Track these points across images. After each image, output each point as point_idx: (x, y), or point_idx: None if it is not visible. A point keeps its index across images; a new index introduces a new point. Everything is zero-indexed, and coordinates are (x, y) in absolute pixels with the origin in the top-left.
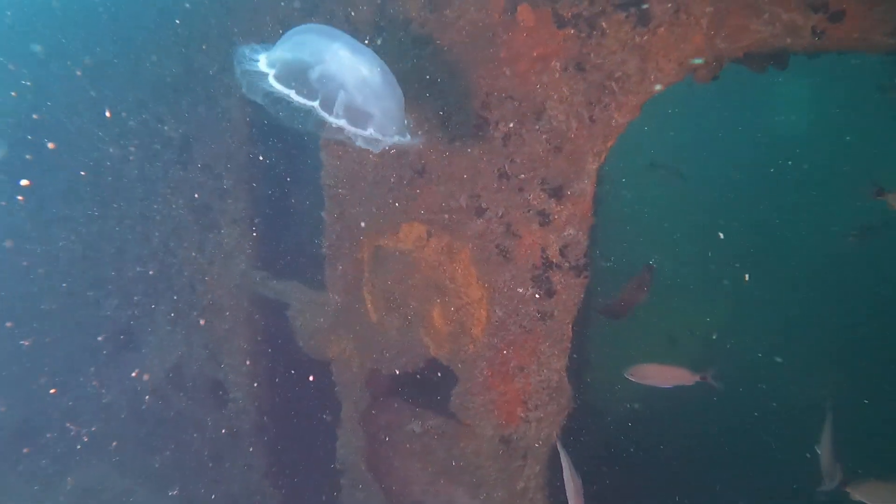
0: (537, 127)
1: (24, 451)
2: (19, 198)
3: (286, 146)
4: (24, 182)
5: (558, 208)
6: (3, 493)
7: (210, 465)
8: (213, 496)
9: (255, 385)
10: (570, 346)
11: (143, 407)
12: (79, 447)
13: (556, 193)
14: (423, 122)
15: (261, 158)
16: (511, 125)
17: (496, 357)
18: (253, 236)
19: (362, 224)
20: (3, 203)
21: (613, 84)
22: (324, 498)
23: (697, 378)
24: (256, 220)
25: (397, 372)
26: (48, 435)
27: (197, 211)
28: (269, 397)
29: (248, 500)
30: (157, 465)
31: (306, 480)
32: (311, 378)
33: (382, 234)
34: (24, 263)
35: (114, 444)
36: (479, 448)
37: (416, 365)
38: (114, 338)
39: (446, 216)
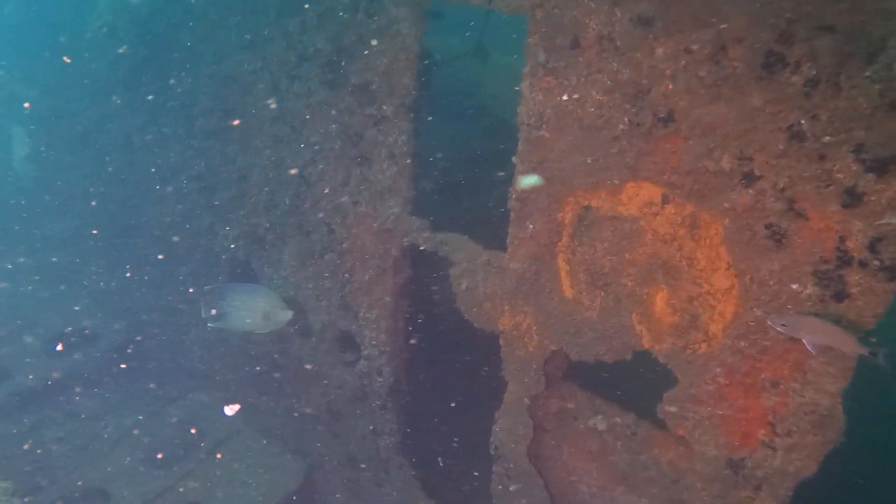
0: (867, 73)
1: (122, 366)
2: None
3: (466, 69)
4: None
5: (878, 187)
6: (109, 408)
7: (328, 421)
8: (326, 455)
9: (396, 346)
10: (855, 366)
11: (259, 348)
12: (185, 377)
13: (880, 167)
14: (679, 55)
15: (434, 83)
16: (821, 68)
17: (741, 364)
18: (413, 175)
19: (570, 177)
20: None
21: None
22: (469, 485)
23: (865, 351)
24: (420, 157)
25: (591, 359)
26: (153, 362)
27: (345, 139)
28: (412, 362)
29: (371, 468)
30: (266, 409)
31: (447, 461)
32: (470, 349)
33: (597, 192)
34: (133, 178)
35: (218, 378)
36: (688, 464)
37: (618, 355)
38: (229, 270)
39: (695, 179)
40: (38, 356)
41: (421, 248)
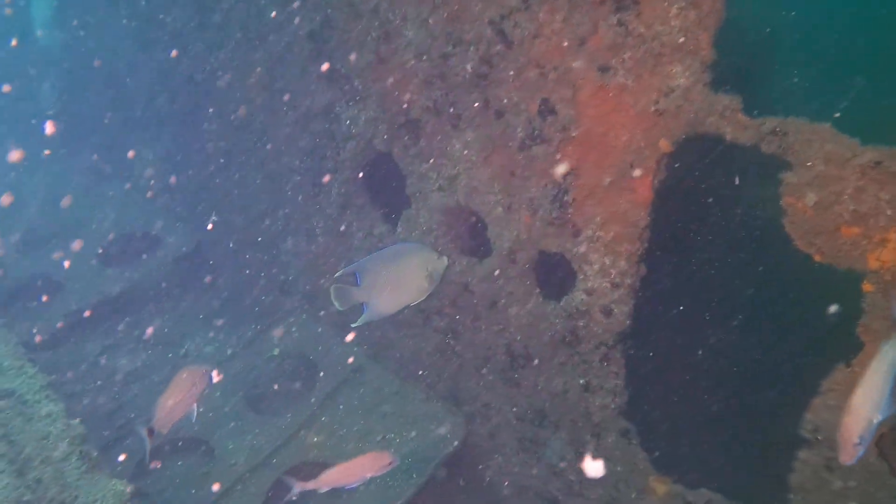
0: None
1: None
2: None
3: None
4: None
5: None
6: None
7: (505, 364)
8: (496, 405)
9: (638, 278)
10: None
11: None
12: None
13: None
14: None
15: None
16: None
17: None
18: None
19: None
20: None
21: None
22: (739, 468)
23: None
24: None
25: None
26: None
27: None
28: (663, 303)
29: (574, 430)
30: (402, 343)
31: (704, 432)
32: (780, 293)
33: None
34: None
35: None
36: None
37: None
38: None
39: None
40: (94, 266)
41: (726, 137)
